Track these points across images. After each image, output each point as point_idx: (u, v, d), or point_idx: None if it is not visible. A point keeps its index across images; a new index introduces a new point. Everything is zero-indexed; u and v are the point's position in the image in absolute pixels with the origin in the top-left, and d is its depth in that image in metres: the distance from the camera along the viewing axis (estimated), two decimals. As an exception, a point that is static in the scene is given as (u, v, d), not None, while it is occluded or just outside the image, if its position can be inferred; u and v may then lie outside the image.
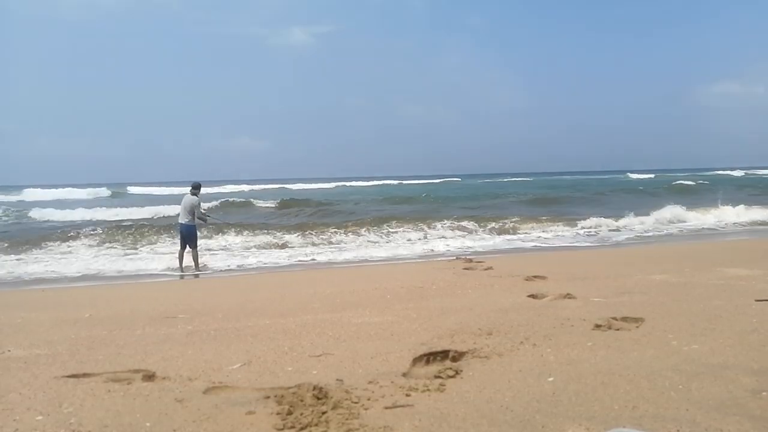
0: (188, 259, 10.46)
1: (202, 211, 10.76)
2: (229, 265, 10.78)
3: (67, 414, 2.65)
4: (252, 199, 29.21)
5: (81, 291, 8.02)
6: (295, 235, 14.96)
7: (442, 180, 71.26)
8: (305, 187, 50.49)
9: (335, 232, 15.56)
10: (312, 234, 15.19)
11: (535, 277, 6.60)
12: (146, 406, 2.71)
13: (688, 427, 2.30)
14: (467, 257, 9.67)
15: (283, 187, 51.01)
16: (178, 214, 10.89)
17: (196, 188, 10.80)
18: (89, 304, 6.04)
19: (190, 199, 10.61)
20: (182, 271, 10.24)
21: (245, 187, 53.19)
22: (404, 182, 64.88)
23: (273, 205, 26.38)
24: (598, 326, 3.95)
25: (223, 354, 3.67)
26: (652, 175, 61.98)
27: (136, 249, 13.45)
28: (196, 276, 9.88)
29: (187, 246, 10.51)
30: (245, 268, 10.61)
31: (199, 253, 10.76)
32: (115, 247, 13.71)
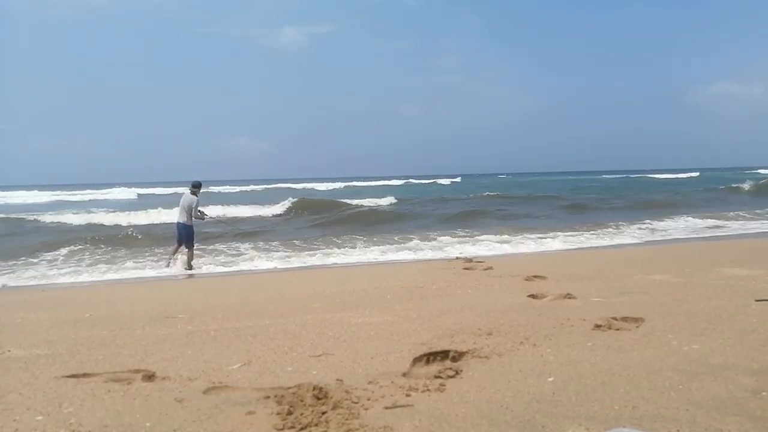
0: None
1: (199, 210, 10.73)
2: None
3: (67, 414, 2.65)
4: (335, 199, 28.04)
5: (81, 291, 8.02)
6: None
7: (455, 180, 69.87)
8: (313, 187, 50.14)
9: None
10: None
11: (535, 277, 6.59)
12: (146, 406, 2.71)
13: (688, 427, 2.29)
14: (467, 257, 9.67)
15: (290, 187, 50.78)
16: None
17: (196, 187, 10.75)
18: (89, 304, 6.04)
19: (189, 198, 10.57)
20: (169, 265, 10.27)
21: (254, 187, 52.98)
22: (415, 181, 64.35)
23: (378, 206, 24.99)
24: (598, 326, 3.95)
25: (223, 354, 3.67)
26: (695, 174, 60.07)
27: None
28: (191, 276, 9.86)
29: (184, 245, 10.51)
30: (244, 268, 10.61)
31: (195, 253, 10.77)
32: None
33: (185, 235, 10.48)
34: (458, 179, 69.93)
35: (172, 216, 13.70)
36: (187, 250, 10.52)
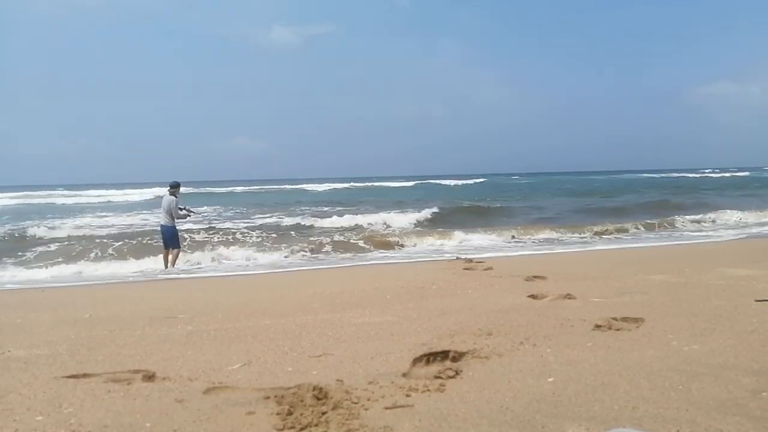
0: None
1: (181, 208, 10.75)
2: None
3: (67, 414, 2.65)
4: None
5: (81, 291, 8.02)
6: None
7: (471, 180, 67.14)
8: (319, 188, 49.71)
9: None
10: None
11: (535, 277, 6.59)
12: (146, 406, 2.71)
13: (688, 427, 2.29)
14: (467, 257, 9.67)
15: (302, 188, 50.45)
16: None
17: (174, 187, 10.76)
18: (89, 304, 6.04)
19: (168, 199, 10.64)
20: (167, 269, 10.34)
21: (257, 188, 52.62)
22: (428, 181, 63.14)
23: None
24: (598, 326, 3.95)
25: (223, 354, 3.67)
26: (742, 174, 59.71)
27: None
28: (174, 276, 9.83)
29: (170, 247, 10.57)
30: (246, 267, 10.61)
31: (181, 253, 10.81)
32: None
33: (169, 237, 10.56)
34: (481, 180, 68.03)
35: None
36: (173, 250, 10.58)
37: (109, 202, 36.45)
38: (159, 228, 11.07)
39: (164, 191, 10.97)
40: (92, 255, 11.98)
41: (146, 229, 16.59)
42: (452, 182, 60.44)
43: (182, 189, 11.01)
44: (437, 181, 63.97)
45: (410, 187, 53.41)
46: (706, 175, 62.44)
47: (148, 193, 37.98)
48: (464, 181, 62.50)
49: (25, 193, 47.18)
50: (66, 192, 49.60)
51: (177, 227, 10.76)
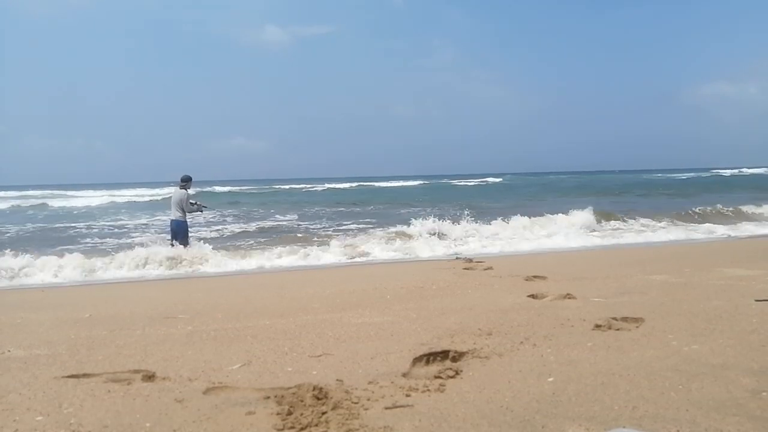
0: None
1: (192, 202, 10.60)
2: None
3: (67, 414, 2.65)
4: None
5: (81, 291, 8.02)
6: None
7: (496, 180, 65.72)
8: (326, 188, 49.28)
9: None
10: None
11: (535, 277, 6.60)
12: (146, 406, 2.71)
13: (688, 427, 2.30)
14: (467, 257, 9.67)
15: (308, 188, 50.09)
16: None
17: (185, 181, 10.53)
18: (89, 304, 6.04)
19: (179, 193, 10.43)
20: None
21: (257, 188, 52.27)
22: (436, 181, 62.22)
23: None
24: (598, 326, 3.96)
25: (223, 354, 3.67)
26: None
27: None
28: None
29: (177, 242, 10.38)
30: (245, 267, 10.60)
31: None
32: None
33: (179, 232, 10.37)
34: (497, 179, 65.90)
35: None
36: (181, 247, 10.42)
37: (96, 205, 35.43)
38: (169, 223, 10.83)
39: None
40: (91, 256, 11.97)
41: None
42: (464, 182, 59.24)
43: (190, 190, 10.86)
44: (448, 181, 62.76)
45: (419, 186, 52.68)
46: (728, 174, 62.14)
47: (146, 195, 36.87)
48: (481, 180, 61.49)
49: (22, 193, 46.72)
50: (66, 192, 49.38)
51: (188, 222, 10.58)
